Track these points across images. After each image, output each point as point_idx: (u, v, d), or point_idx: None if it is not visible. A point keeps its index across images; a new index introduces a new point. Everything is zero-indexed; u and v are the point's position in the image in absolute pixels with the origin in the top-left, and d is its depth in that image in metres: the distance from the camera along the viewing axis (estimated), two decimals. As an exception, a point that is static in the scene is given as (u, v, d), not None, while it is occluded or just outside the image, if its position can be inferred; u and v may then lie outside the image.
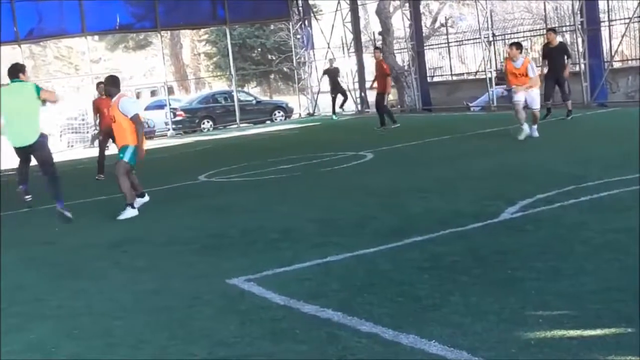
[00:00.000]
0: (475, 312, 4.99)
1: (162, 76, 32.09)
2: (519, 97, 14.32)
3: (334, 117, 26.38)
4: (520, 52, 14.78)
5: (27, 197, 11.16)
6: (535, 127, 14.42)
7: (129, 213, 10.26)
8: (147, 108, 31.84)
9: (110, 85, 10.76)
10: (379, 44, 30.05)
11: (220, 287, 6.25)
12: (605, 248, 6.21)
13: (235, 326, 5.22)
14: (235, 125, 29.48)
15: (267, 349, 4.78)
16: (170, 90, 41.48)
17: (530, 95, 14.40)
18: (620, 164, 10.11)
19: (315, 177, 12.58)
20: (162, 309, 5.86)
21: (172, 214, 10.41)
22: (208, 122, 29.87)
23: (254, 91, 41.57)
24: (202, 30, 40.49)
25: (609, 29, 22.42)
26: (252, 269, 6.65)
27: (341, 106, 26.65)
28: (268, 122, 30.68)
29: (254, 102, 32.38)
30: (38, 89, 10.37)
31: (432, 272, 6.05)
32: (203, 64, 49.42)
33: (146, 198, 10.94)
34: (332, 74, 26.03)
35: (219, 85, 44.35)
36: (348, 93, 27.48)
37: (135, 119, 10.34)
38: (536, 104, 14.55)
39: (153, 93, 39.02)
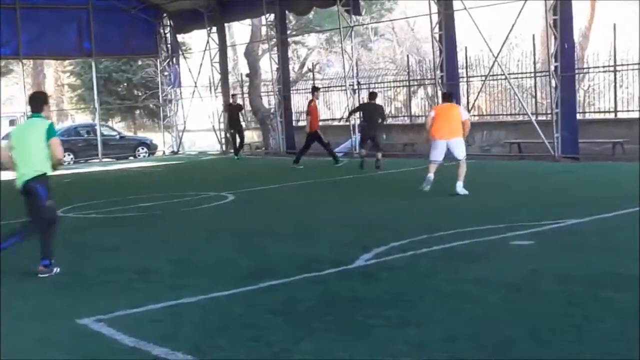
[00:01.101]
0: (325, 358, 5.06)
1: (22, 105, 31.10)
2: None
3: (235, 157, 24.97)
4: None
5: None
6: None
7: None
8: (4, 138, 30.79)
9: None
10: (246, 85, 30.23)
11: (70, 327, 6.09)
12: (454, 297, 6.44)
13: (83, 369, 5.10)
14: (97, 160, 28.87)
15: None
16: (30, 121, 40.09)
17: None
18: (474, 215, 10.56)
19: (176, 217, 12.46)
20: (8, 349, 5.64)
21: (24, 251, 10.01)
22: (69, 155, 29.04)
23: (118, 126, 40.79)
24: (67, 61, 39.57)
25: (467, 84, 23.47)
26: (104, 309, 6.50)
27: (239, 148, 25.22)
28: (131, 158, 30.21)
29: (117, 137, 31.81)
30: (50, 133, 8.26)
31: (285, 316, 6.10)
32: (66, 95, 48.12)
33: None
34: (234, 110, 25.08)
35: (82, 118, 43.30)
36: (214, 133, 27.34)
37: None
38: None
39: (12, 122, 37.66)
